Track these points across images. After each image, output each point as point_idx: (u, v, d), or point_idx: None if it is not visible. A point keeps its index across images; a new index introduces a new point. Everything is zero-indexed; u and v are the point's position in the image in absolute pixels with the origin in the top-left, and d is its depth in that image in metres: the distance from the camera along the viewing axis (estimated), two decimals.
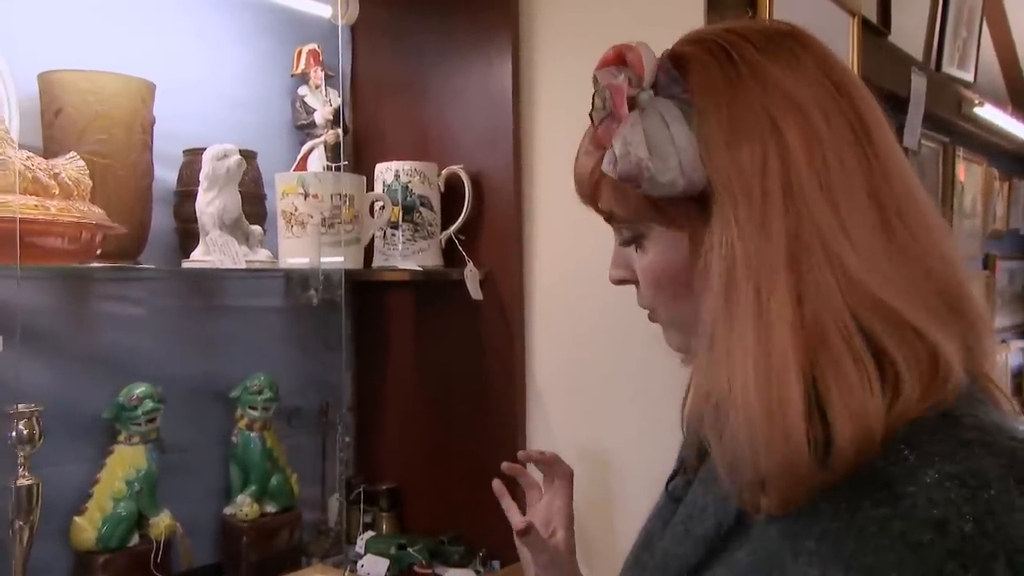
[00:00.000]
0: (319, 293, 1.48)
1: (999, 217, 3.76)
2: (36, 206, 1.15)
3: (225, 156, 1.36)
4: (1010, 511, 0.51)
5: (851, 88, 0.65)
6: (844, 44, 1.78)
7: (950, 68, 3.08)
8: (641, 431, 1.46)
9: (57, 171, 1.21)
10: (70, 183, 1.22)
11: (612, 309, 1.44)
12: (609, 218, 0.72)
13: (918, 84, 2.68)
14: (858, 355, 0.57)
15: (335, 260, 1.49)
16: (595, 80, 0.67)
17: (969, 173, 3.33)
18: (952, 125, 3.12)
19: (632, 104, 0.64)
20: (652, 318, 0.75)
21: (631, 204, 0.68)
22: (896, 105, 2.57)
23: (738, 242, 0.60)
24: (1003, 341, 3.78)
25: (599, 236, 0.80)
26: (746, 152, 0.61)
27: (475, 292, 1.61)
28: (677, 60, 0.65)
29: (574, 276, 1.57)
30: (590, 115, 0.68)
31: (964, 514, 0.51)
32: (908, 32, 2.77)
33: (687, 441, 0.78)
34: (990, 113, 3.28)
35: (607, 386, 1.54)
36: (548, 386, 1.63)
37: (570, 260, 1.57)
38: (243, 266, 1.37)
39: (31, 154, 1.21)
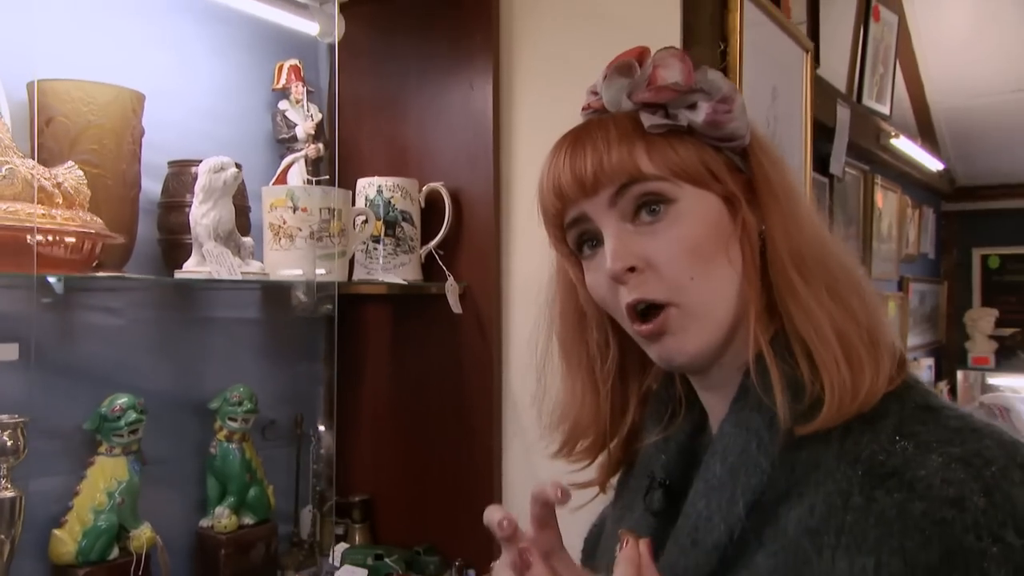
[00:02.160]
0: (317, 304, 1.49)
1: (911, 242, 4.01)
2: (44, 215, 1.14)
3: (222, 169, 1.37)
4: (1013, 484, 0.59)
5: None
6: (799, 76, 1.92)
7: (869, 101, 3.29)
8: None
9: (60, 180, 1.20)
10: (72, 192, 1.21)
11: None
12: (623, 186, 0.70)
13: (843, 115, 2.87)
14: None
15: (324, 272, 1.51)
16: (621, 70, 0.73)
17: (886, 200, 3.55)
18: (871, 154, 3.34)
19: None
20: (661, 326, 0.70)
21: (679, 159, 0.70)
22: (824, 134, 2.75)
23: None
24: (914, 359, 4.02)
25: None
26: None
27: (455, 306, 1.65)
28: None
29: None
30: (586, 109, 0.76)
31: (975, 490, 0.58)
32: (832, 65, 2.96)
33: (668, 456, 0.80)
34: (904, 145, 3.52)
35: None
36: (524, 400, 1.67)
37: (547, 276, 1.63)
38: (239, 277, 1.37)
39: (35, 163, 1.20)
